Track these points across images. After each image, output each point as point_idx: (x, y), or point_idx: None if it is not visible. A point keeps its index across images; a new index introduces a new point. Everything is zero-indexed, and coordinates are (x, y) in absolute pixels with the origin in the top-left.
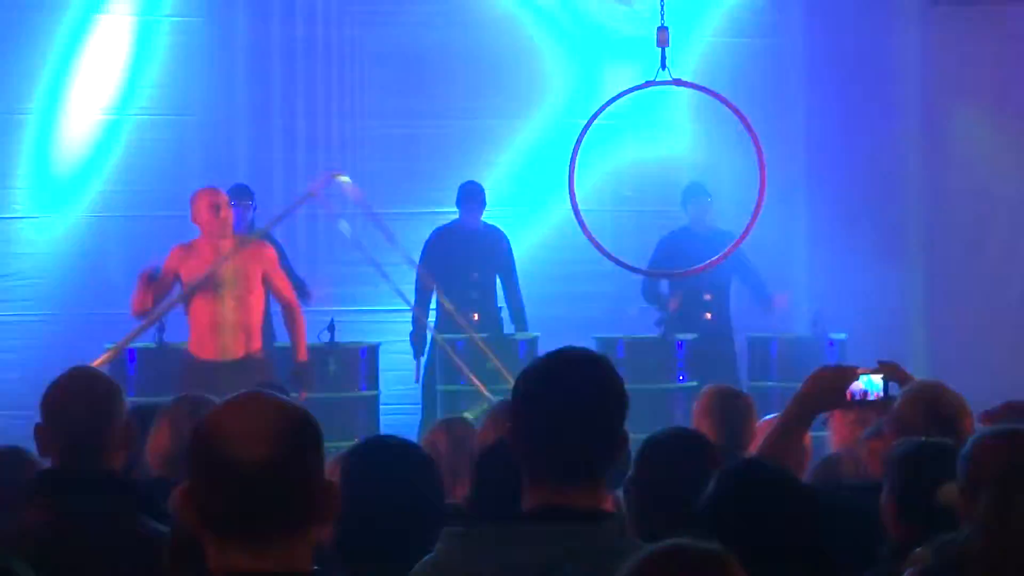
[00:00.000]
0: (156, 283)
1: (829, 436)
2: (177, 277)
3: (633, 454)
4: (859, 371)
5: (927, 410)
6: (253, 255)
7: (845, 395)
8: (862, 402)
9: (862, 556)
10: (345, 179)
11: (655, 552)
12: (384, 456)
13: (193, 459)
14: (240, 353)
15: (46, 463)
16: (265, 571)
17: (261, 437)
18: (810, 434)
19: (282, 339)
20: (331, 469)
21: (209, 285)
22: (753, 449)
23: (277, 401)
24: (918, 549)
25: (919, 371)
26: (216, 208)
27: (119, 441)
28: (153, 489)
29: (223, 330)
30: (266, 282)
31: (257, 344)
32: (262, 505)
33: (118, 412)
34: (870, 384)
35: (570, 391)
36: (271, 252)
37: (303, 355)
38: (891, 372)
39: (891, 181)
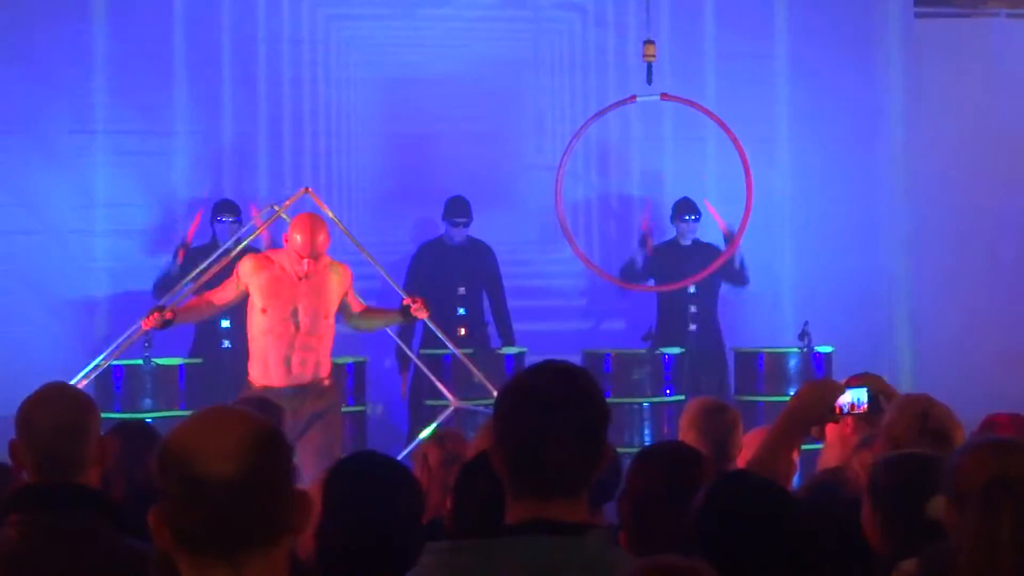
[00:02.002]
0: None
1: (822, 450)
2: (243, 290)
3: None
4: (846, 383)
5: (918, 423)
6: (332, 277)
7: (833, 409)
8: (851, 415)
9: (850, 570)
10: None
11: (641, 567)
12: (366, 472)
13: (162, 478)
14: (309, 379)
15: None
16: None
17: (230, 453)
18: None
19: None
20: (315, 486)
21: (284, 307)
22: (740, 462)
23: (243, 415)
24: (905, 562)
25: (906, 382)
26: (312, 256)
27: (94, 457)
28: (136, 506)
29: (294, 355)
30: (342, 304)
31: (326, 371)
32: (235, 521)
33: (92, 427)
34: (857, 396)
35: (552, 405)
36: (349, 272)
37: (403, 299)
38: (876, 384)
39: (874, 193)
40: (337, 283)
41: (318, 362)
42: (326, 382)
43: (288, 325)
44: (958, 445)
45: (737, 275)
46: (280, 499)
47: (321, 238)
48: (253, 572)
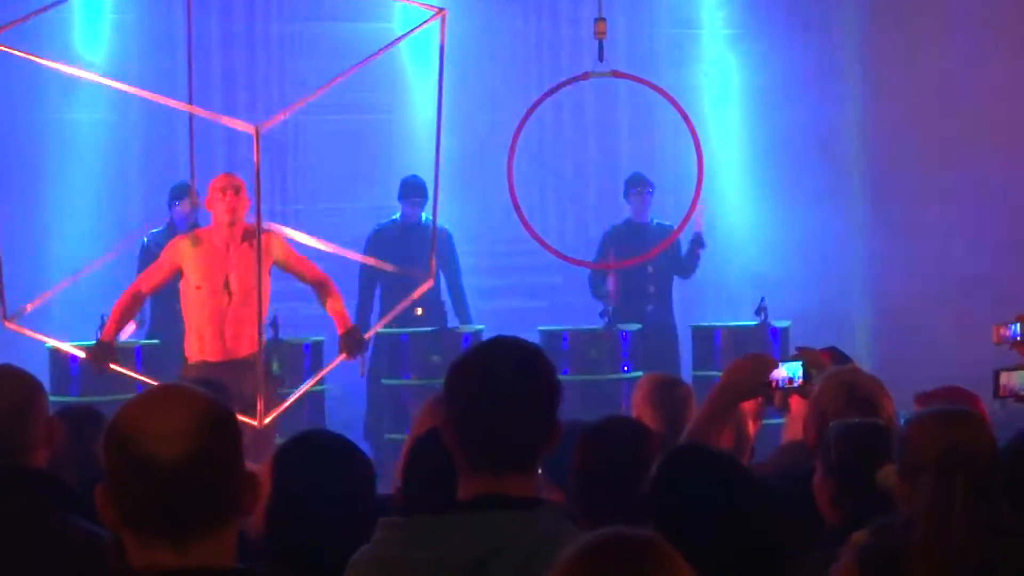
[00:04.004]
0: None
1: (785, 424)
2: (178, 272)
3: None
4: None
5: (844, 395)
6: (263, 248)
7: (767, 382)
8: (786, 389)
9: (802, 541)
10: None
11: (591, 540)
12: (315, 450)
13: (109, 458)
14: (244, 353)
15: None
16: (189, 567)
17: (177, 433)
18: (759, 423)
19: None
20: (264, 464)
21: (217, 281)
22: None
23: (191, 395)
24: (856, 533)
25: (863, 355)
26: (223, 191)
27: (40, 438)
28: (87, 489)
29: (228, 329)
30: (285, 272)
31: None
32: (182, 502)
33: (38, 409)
34: (792, 370)
35: (501, 380)
36: (280, 240)
37: (347, 324)
38: (809, 358)
39: (830, 167)
40: (264, 252)
41: (252, 335)
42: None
43: (221, 298)
44: (886, 415)
45: (683, 264)
46: (229, 480)
47: (237, 182)
48: (200, 553)
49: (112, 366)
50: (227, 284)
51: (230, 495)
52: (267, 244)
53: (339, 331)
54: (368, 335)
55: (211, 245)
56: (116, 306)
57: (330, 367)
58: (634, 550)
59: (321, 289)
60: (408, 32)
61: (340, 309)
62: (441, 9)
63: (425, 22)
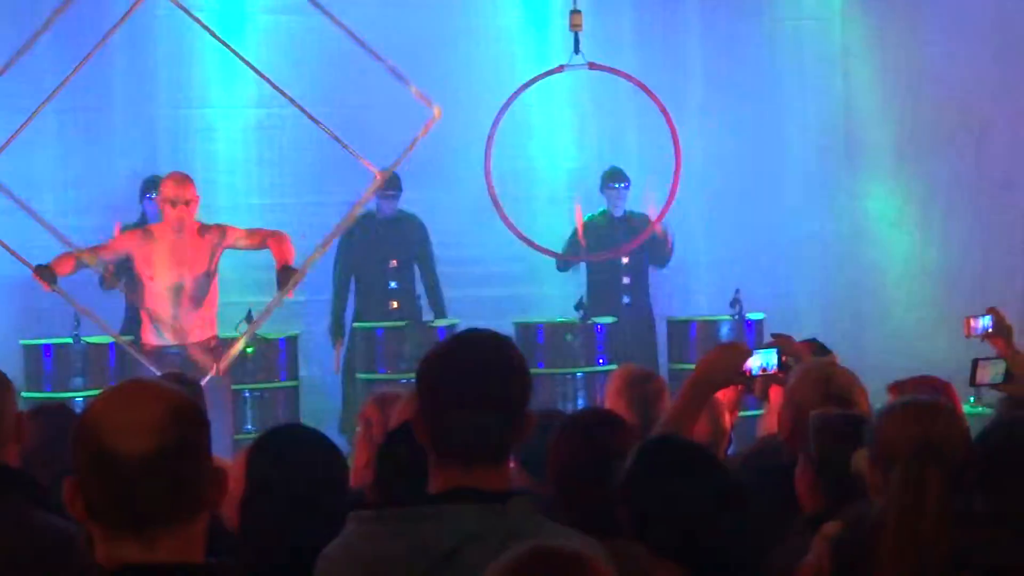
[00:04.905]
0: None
1: (764, 415)
2: (129, 257)
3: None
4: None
5: (820, 388)
6: (209, 239)
7: (741, 371)
8: (761, 377)
9: (776, 532)
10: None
11: (519, 552)
12: (288, 444)
13: (77, 451)
14: (197, 340)
15: None
16: (157, 562)
17: (145, 428)
18: (736, 414)
19: None
20: (238, 458)
21: (169, 273)
22: None
23: (160, 390)
24: (827, 523)
25: (838, 348)
26: (172, 203)
27: (9, 434)
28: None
29: (182, 317)
30: (246, 250)
31: (212, 331)
32: (150, 496)
33: (6, 404)
34: (767, 358)
35: (473, 372)
36: (228, 228)
37: (285, 261)
38: (784, 345)
39: (804, 158)
40: (217, 244)
41: (204, 323)
42: (212, 342)
43: (173, 293)
44: (861, 410)
45: (661, 254)
46: (196, 475)
47: (187, 183)
48: (167, 547)
49: (55, 288)
50: (179, 280)
51: (197, 490)
52: (218, 238)
53: (276, 267)
54: (303, 267)
55: (163, 242)
56: (69, 253)
57: (270, 308)
58: (561, 564)
59: (272, 237)
60: None
61: (281, 248)
62: None
63: None
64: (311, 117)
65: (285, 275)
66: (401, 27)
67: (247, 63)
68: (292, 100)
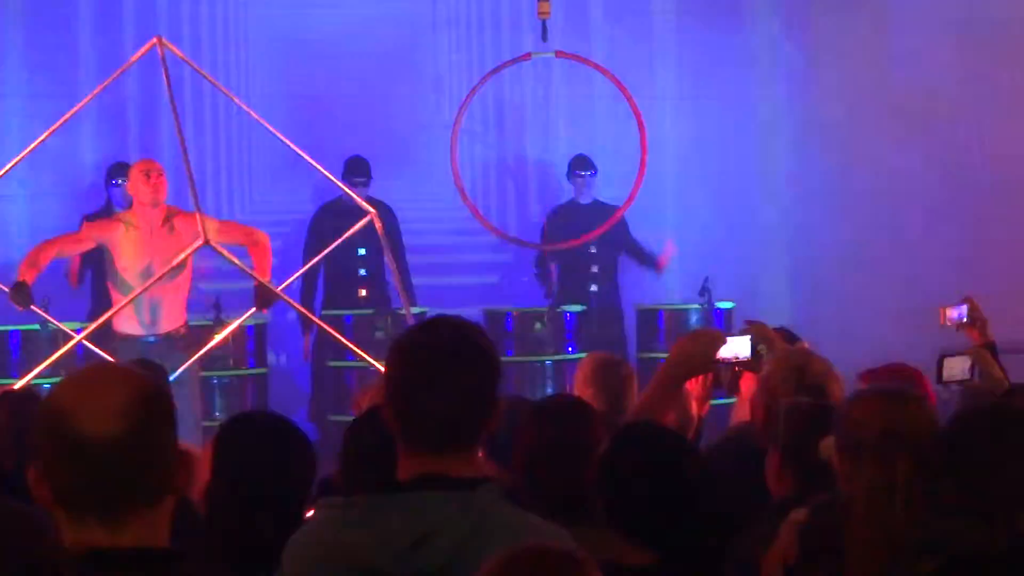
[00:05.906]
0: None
1: (735, 404)
2: (96, 248)
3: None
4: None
5: (795, 377)
6: (184, 230)
7: (713, 358)
8: (734, 363)
9: (747, 519)
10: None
11: (511, 550)
12: (255, 431)
13: (42, 437)
14: (166, 329)
15: None
16: (123, 547)
17: (110, 412)
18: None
19: None
20: (206, 444)
21: (140, 262)
22: None
23: (125, 374)
24: (794, 511)
25: (805, 338)
26: (146, 174)
27: None
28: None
29: (151, 306)
30: (226, 244)
31: (182, 321)
32: (115, 481)
33: None
34: (740, 345)
35: (441, 358)
36: (209, 220)
37: (265, 277)
38: (757, 332)
39: (771, 147)
40: (191, 234)
41: (174, 312)
42: (182, 331)
43: (143, 276)
44: (835, 399)
45: (646, 259)
46: (163, 460)
47: (159, 166)
48: (132, 532)
49: (32, 307)
50: (149, 268)
51: (163, 474)
52: (198, 226)
53: (254, 281)
54: (280, 288)
55: (137, 230)
56: (32, 252)
57: (242, 319)
58: (553, 562)
59: (254, 246)
60: None
61: (262, 260)
62: None
63: None
64: (288, 143)
65: (264, 295)
66: (372, 15)
67: (231, 96)
68: (269, 126)
